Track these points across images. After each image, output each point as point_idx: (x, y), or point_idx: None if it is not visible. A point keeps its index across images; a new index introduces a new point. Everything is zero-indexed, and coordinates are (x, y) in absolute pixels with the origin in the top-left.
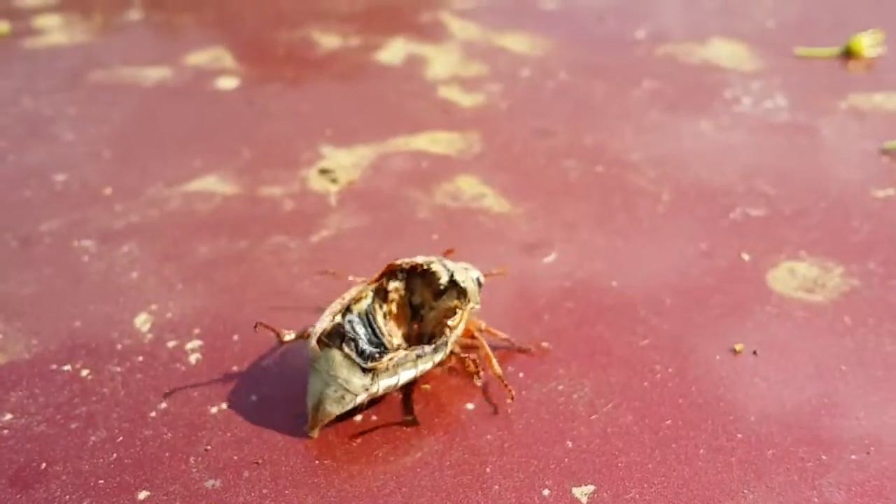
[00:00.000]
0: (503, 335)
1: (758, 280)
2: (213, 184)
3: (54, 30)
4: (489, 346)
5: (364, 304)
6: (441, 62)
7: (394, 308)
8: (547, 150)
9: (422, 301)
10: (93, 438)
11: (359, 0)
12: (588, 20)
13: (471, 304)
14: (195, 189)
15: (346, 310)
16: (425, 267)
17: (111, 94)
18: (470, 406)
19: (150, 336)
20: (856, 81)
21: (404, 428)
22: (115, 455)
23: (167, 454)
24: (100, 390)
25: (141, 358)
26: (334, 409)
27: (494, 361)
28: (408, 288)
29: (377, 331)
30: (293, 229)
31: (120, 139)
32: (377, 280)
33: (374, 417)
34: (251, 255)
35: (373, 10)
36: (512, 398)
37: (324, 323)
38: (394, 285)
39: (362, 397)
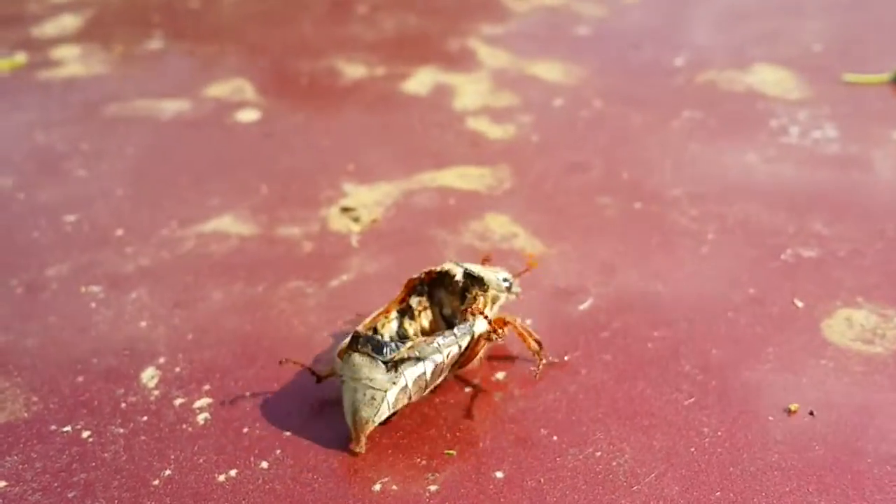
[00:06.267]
0: (534, 338)
1: (812, 329)
2: (228, 224)
3: (72, 61)
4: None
5: (393, 326)
6: (470, 92)
7: (424, 323)
8: (581, 186)
9: (452, 311)
10: None
11: (386, 28)
12: (623, 47)
13: (493, 291)
14: (210, 229)
15: (374, 331)
16: (440, 271)
17: (126, 128)
18: (499, 474)
19: (156, 393)
20: None
21: (427, 500)
22: None
23: None
24: (101, 454)
25: (146, 418)
26: (369, 414)
27: (529, 338)
28: (436, 302)
29: None
30: (312, 273)
31: (134, 176)
32: (401, 300)
33: (394, 487)
34: (267, 302)
35: (401, 37)
36: (540, 367)
37: (345, 340)
38: (416, 300)
39: (392, 393)
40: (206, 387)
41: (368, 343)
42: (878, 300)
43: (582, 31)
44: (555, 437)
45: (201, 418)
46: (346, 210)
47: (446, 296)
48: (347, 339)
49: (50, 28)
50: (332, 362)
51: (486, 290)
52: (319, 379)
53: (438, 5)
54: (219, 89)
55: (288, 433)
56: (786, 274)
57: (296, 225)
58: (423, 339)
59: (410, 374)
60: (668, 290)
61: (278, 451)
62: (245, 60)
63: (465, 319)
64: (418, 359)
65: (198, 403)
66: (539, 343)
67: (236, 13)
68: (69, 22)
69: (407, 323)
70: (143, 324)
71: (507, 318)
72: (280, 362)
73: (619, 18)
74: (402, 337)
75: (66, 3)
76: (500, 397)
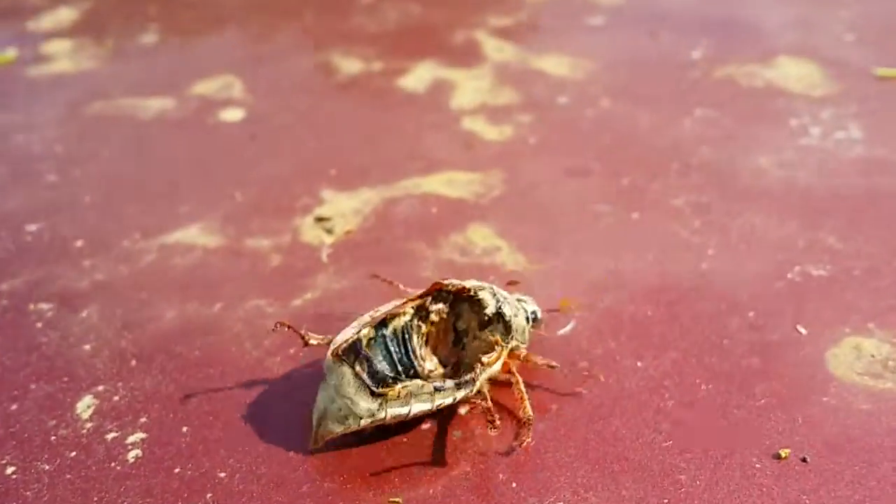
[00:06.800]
0: (543, 361)
1: (815, 361)
2: (194, 235)
3: (62, 56)
4: (524, 384)
5: (402, 321)
6: (469, 89)
7: (434, 330)
8: (578, 193)
9: (466, 328)
10: None
11: (389, 18)
12: (639, 36)
13: (513, 343)
14: (174, 241)
15: (382, 323)
16: (472, 293)
17: (106, 129)
18: None
19: (89, 425)
20: None
21: None
22: None
23: None
24: (23, 493)
25: (74, 453)
26: (336, 428)
27: (527, 403)
28: (454, 311)
29: (411, 351)
30: (274, 290)
31: (105, 181)
32: (419, 298)
33: None
34: (221, 324)
35: (403, 29)
36: (522, 443)
37: (346, 334)
38: (437, 307)
39: (367, 422)
40: (143, 419)
41: (366, 364)
42: (892, 326)
43: (596, 21)
44: (514, 484)
45: (132, 455)
46: (320, 220)
47: (468, 313)
48: (347, 341)
49: (46, 21)
50: (326, 338)
51: (508, 342)
52: (306, 343)
53: None
54: (206, 86)
55: (222, 474)
56: (791, 295)
57: (265, 236)
58: (421, 383)
59: (394, 412)
60: (658, 314)
61: (209, 496)
62: (238, 55)
63: (474, 367)
64: (407, 402)
65: (131, 438)
66: (529, 422)
67: (238, 3)
68: (65, 15)
69: (417, 324)
70: (88, 347)
71: (513, 376)
72: (273, 328)
73: (638, 6)
74: (405, 337)
75: None
76: (460, 436)
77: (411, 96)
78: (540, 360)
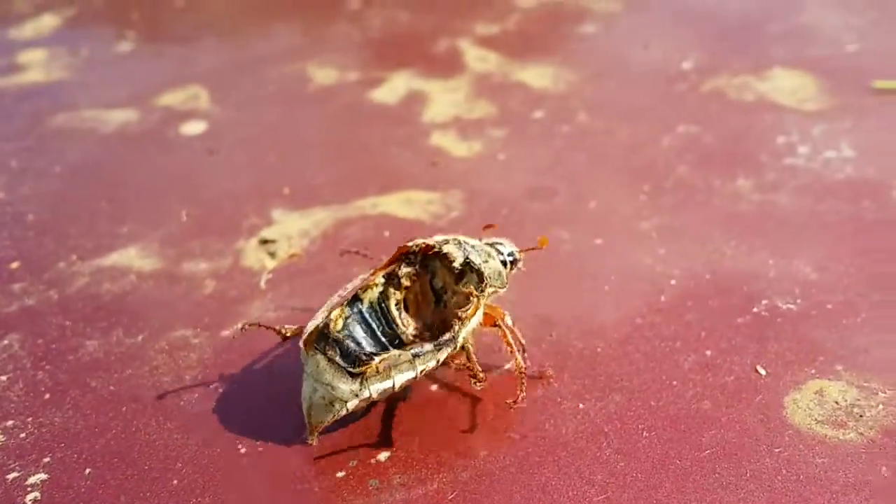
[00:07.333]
0: (521, 340)
1: (772, 406)
2: (131, 257)
3: (36, 65)
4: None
5: (375, 293)
6: (443, 101)
7: (411, 295)
8: (539, 216)
9: (443, 285)
10: None
11: (373, 26)
12: (630, 47)
13: (489, 290)
14: (110, 263)
15: (355, 299)
16: (437, 249)
17: (63, 143)
18: None
19: None
20: None
21: None
22: None
23: None
24: None
25: None
26: (324, 417)
27: (518, 354)
28: (428, 271)
29: (392, 321)
30: (203, 319)
31: (53, 199)
32: (387, 266)
33: None
34: (143, 355)
35: (385, 37)
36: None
37: (316, 321)
38: (405, 270)
39: (354, 403)
40: (47, 459)
41: (336, 347)
42: (862, 368)
43: (587, 29)
44: None
45: (30, 498)
46: (265, 242)
47: (441, 269)
48: (314, 330)
49: (28, 29)
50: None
51: (483, 290)
52: (285, 338)
53: (437, 0)
54: (172, 97)
55: None
56: (754, 331)
57: (205, 259)
58: (398, 353)
59: (376, 388)
60: (609, 351)
61: None
62: (211, 64)
63: (451, 324)
64: (388, 374)
65: (32, 479)
66: (522, 375)
67: (222, 10)
68: (47, 22)
69: (391, 292)
70: (5, 378)
71: (498, 320)
72: (242, 328)
73: (633, 14)
74: (383, 308)
75: (52, 1)
76: (376, 485)
77: (382, 109)
78: (520, 337)
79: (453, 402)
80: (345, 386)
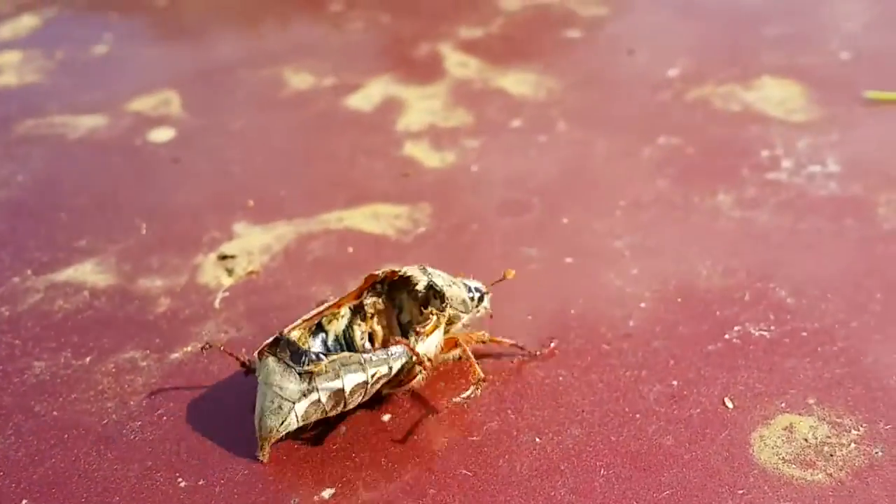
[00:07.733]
0: (510, 341)
1: (737, 443)
2: (86, 272)
3: (9, 69)
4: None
5: (342, 324)
6: (419, 109)
7: (376, 326)
8: (509, 232)
9: (410, 318)
10: None
11: (353, 29)
12: (615, 53)
13: (451, 311)
14: (64, 279)
15: (319, 328)
16: (401, 273)
17: (28, 150)
18: None
19: None
20: None
21: None
22: None
23: None
24: None
25: None
26: (274, 423)
27: (476, 367)
28: (396, 304)
29: (356, 351)
30: (154, 340)
31: (11, 210)
32: (356, 295)
33: None
34: (89, 378)
35: (365, 41)
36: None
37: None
38: (371, 300)
39: (302, 406)
40: None
41: (287, 349)
42: (835, 402)
43: (572, 34)
44: None
45: None
46: (223, 258)
47: (407, 300)
48: (271, 339)
49: (6, 30)
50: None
51: (443, 309)
52: (248, 371)
53: (421, 3)
54: (143, 102)
55: None
56: (725, 360)
57: (161, 276)
58: (349, 354)
59: (325, 388)
60: (570, 380)
61: None
62: (186, 68)
63: (409, 336)
64: (338, 374)
65: None
66: (482, 380)
67: (203, 12)
68: (26, 22)
69: (357, 323)
70: None
71: (460, 341)
72: (202, 348)
73: (620, 18)
74: (347, 340)
75: (33, 1)
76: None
77: (356, 116)
78: (507, 341)
79: (404, 433)
80: (293, 385)
